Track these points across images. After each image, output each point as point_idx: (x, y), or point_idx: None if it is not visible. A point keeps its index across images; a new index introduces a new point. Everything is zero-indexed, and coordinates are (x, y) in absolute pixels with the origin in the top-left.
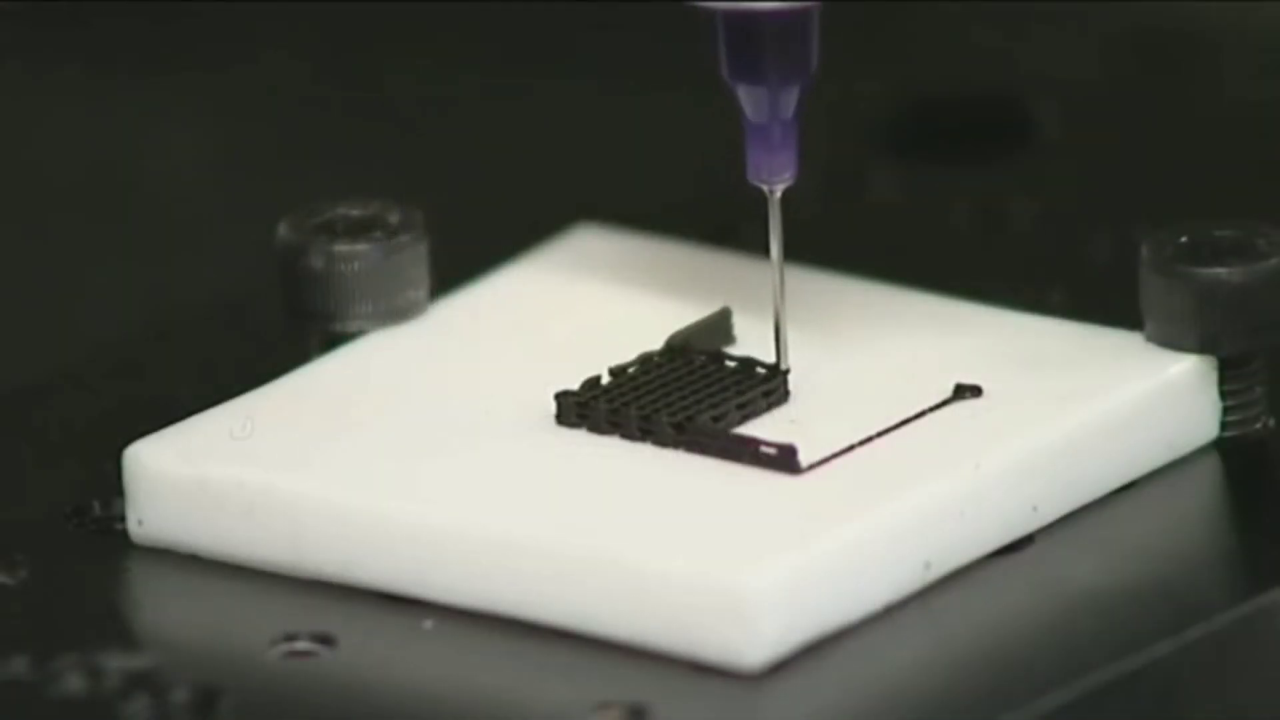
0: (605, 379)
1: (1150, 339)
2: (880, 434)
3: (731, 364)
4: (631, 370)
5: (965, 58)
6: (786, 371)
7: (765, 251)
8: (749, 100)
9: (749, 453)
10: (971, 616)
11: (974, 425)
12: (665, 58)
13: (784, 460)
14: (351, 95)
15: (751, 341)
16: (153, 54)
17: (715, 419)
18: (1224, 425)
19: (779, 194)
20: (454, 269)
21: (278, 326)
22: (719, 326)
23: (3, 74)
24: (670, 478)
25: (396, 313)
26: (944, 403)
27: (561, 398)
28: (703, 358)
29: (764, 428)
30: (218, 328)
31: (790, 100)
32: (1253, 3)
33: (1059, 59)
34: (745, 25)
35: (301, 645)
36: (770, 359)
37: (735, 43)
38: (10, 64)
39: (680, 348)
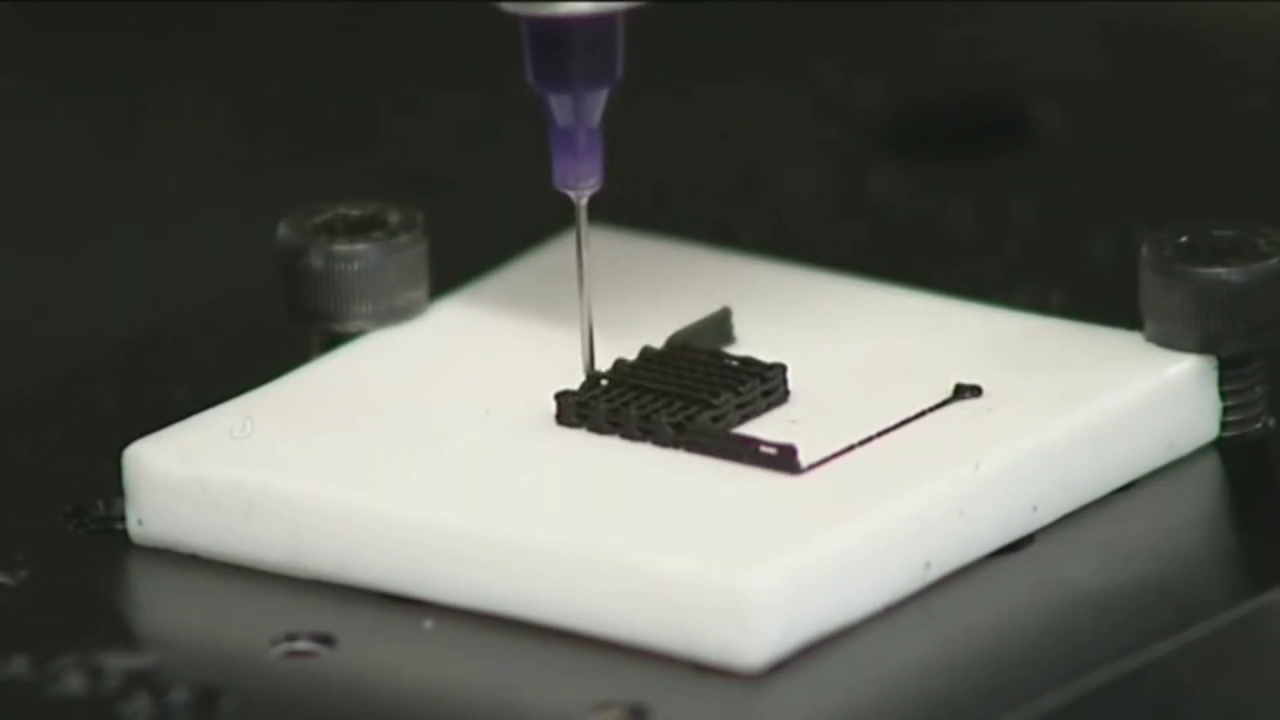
0: (605, 378)
1: (1150, 339)
2: (880, 434)
3: (732, 363)
4: (632, 367)
5: (965, 58)
6: (784, 369)
7: (765, 252)
8: (555, 106)
9: (749, 453)
10: (971, 616)
11: (974, 425)
12: (665, 58)
13: (784, 460)
14: (351, 95)
15: (751, 342)
16: (153, 54)
17: (715, 419)
18: (1224, 425)
19: (585, 201)
20: (454, 269)
21: (278, 326)
22: (719, 326)
23: (3, 74)
24: (670, 478)
25: (396, 313)
26: (944, 403)
27: (561, 397)
28: (704, 355)
29: (764, 428)
30: (218, 328)
31: (596, 107)
32: (1253, 3)
33: (1059, 59)
34: (551, 32)
35: (301, 645)
36: (769, 359)
37: (541, 49)
38: (10, 64)
39: (680, 347)
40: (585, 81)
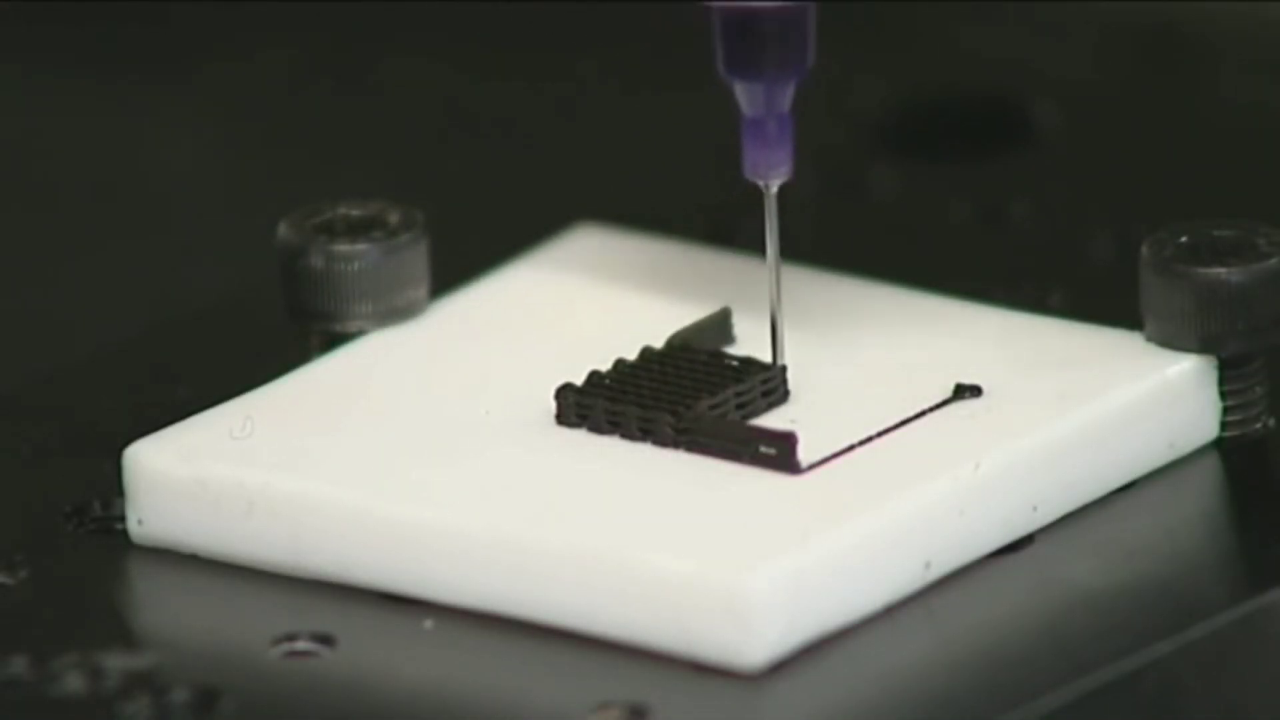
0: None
1: (1150, 339)
2: (880, 434)
3: (732, 363)
4: (632, 367)
5: (965, 58)
6: (784, 369)
7: (765, 251)
8: (745, 95)
9: (749, 451)
10: (971, 616)
11: (974, 425)
12: (665, 58)
13: (784, 460)
14: (351, 95)
15: (751, 341)
16: (153, 54)
17: (713, 409)
18: (1224, 425)
19: (775, 189)
20: (454, 269)
21: (278, 326)
22: (719, 326)
23: (3, 74)
24: (670, 478)
25: (396, 313)
26: (944, 403)
27: (561, 393)
28: (704, 355)
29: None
30: (218, 328)
31: (786, 95)
32: (1253, 3)
33: (1059, 59)
34: (742, 20)
35: (301, 645)
36: (769, 359)
37: (732, 38)
38: (10, 64)
39: (680, 348)
40: (776, 70)
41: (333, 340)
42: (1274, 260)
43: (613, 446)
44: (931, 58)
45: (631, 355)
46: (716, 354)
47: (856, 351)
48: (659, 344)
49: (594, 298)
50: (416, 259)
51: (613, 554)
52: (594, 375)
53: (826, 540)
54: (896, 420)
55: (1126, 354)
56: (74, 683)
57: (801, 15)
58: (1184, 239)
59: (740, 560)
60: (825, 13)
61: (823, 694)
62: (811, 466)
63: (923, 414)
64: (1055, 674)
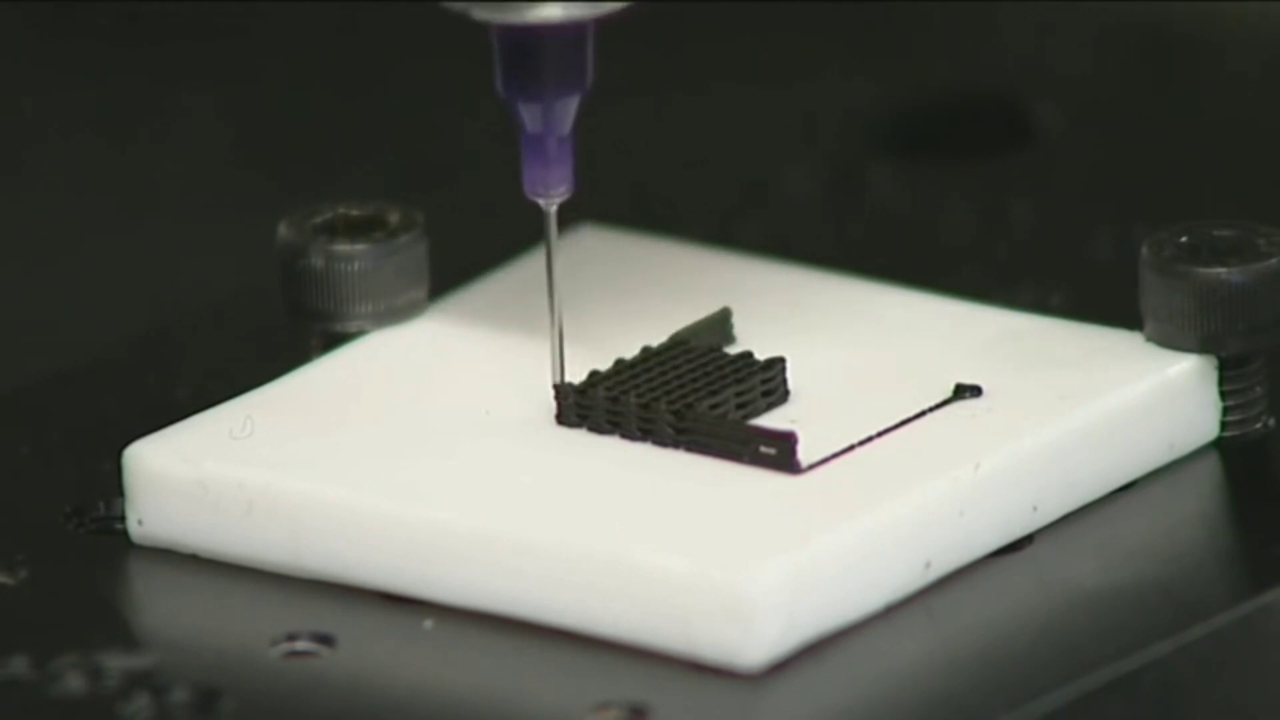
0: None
1: (1150, 339)
2: (880, 434)
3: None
4: (631, 365)
5: (965, 58)
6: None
7: (765, 252)
8: (526, 114)
9: (749, 451)
10: (971, 616)
11: (974, 425)
12: (666, 58)
13: (784, 460)
14: (352, 95)
15: (751, 342)
16: (153, 54)
17: (713, 408)
18: (1224, 425)
19: (555, 209)
20: (454, 269)
21: (278, 326)
22: (719, 326)
23: (3, 74)
24: (670, 478)
25: (396, 313)
26: (944, 403)
27: (560, 390)
28: (703, 353)
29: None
30: (218, 328)
31: (567, 115)
32: (1254, 3)
33: (1059, 59)
34: (521, 40)
35: (301, 645)
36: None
37: (510, 59)
38: (10, 64)
39: (680, 346)
40: (555, 90)
41: (333, 340)
42: (1274, 260)
43: (612, 446)
44: (931, 58)
45: (631, 355)
46: (715, 351)
47: (856, 351)
48: (659, 344)
49: (594, 298)
50: (416, 259)
51: (613, 554)
52: (594, 375)
53: (826, 540)
54: (896, 420)
55: (1126, 354)
56: (74, 683)
57: (580, 36)
58: (1184, 239)
59: (740, 560)
60: (825, 13)
61: (823, 694)
62: (811, 466)
63: (923, 414)
64: (1055, 674)
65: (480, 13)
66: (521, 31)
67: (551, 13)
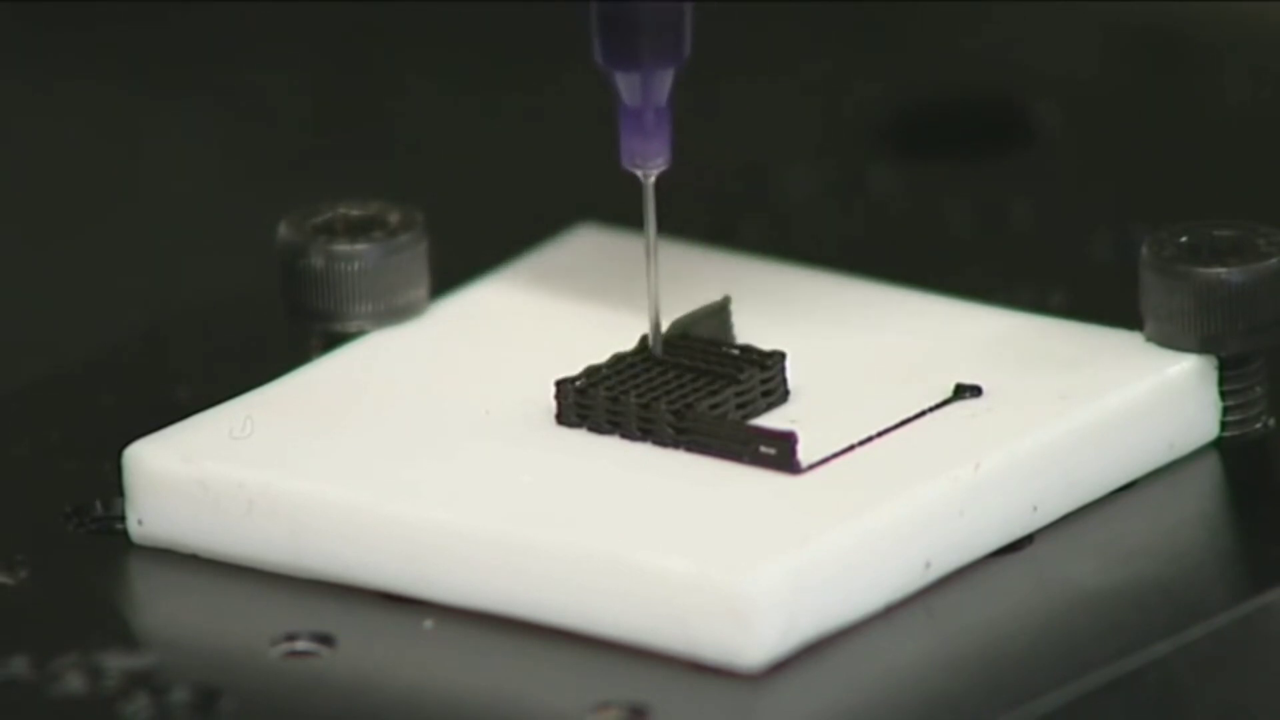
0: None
1: (1150, 339)
2: (880, 434)
3: (732, 352)
4: (630, 359)
5: (965, 58)
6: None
7: (765, 252)
8: (623, 85)
9: (749, 451)
10: (971, 616)
11: (974, 425)
12: None
13: (784, 460)
14: (352, 95)
15: (751, 341)
16: (153, 54)
17: (713, 408)
18: (1224, 425)
19: (653, 179)
20: (454, 269)
21: (278, 326)
22: (718, 315)
23: (3, 74)
24: (670, 478)
25: (396, 313)
26: (944, 403)
27: (560, 387)
28: (703, 345)
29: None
30: (218, 328)
31: (664, 86)
32: (1253, 3)
33: (1059, 59)
34: (620, 10)
35: (301, 645)
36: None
37: (609, 27)
38: (11, 64)
39: (680, 337)
40: (653, 60)
41: (333, 340)
42: (1274, 260)
43: (612, 446)
44: (931, 58)
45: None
46: (715, 343)
47: (856, 351)
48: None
49: (594, 298)
50: (416, 259)
51: (613, 554)
52: (592, 369)
53: (826, 540)
54: (896, 420)
55: (1126, 354)
56: (74, 683)
57: (679, 6)
58: (1184, 239)
59: (740, 560)
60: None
61: (823, 694)
62: (811, 466)
63: (923, 414)
64: (1055, 674)
65: None
66: (619, 2)
67: None
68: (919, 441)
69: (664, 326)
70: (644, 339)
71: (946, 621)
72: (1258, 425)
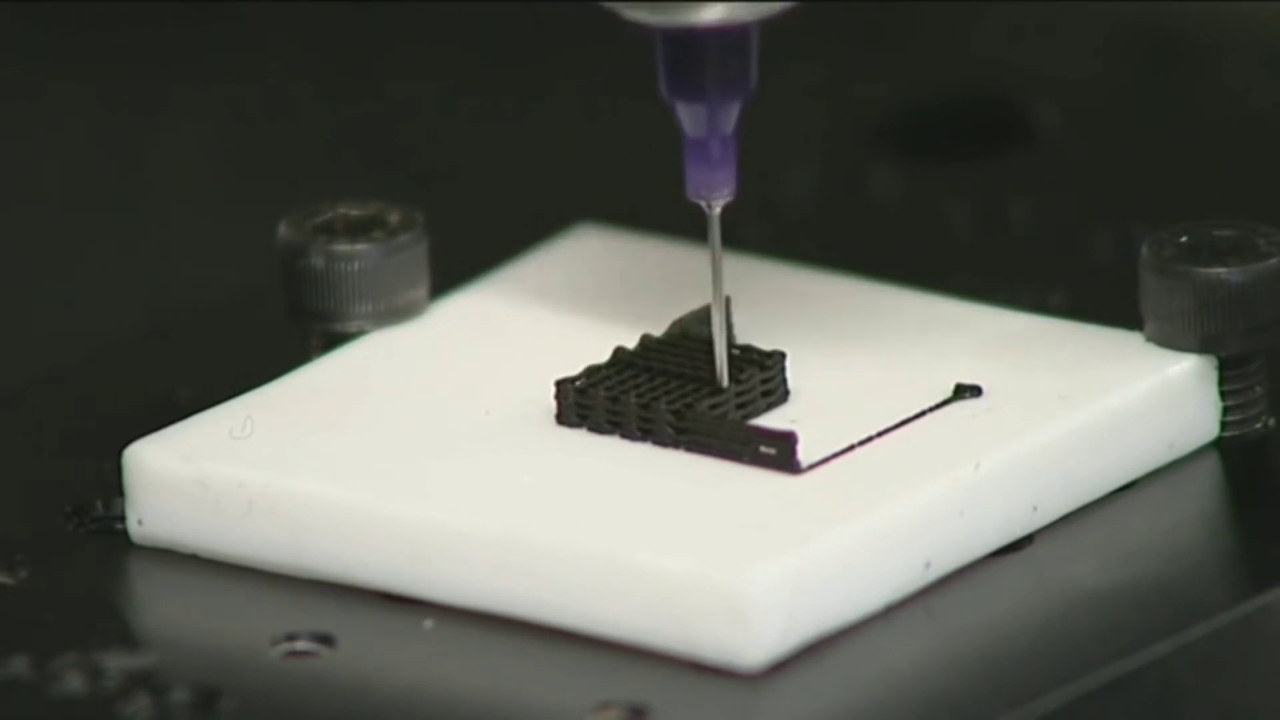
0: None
1: (1150, 339)
2: (880, 434)
3: (733, 352)
4: (630, 356)
5: (966, 58)
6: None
7: (765, 252)
8: (688, 116)
9: (749, 451)
10: (971, 616)
11: (974, 425)
12: None
13: (784, 460)
14: (351, 95)
15: (751, 341)
16: (154, 54)
17: (713, 408)
18: (1224, 425)
19: (718, 210)
20: (454, 269)
21: (278, 326)
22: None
23: (4, 74)
24: (670, 478)
25: (396, 313)
26: (944, 403)
27: (561, 386)
28: (703, 344)
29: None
30: (218, 328)
31: (729, 116)
32: (1253, 3)
33: (1059, 59)
34: (685, 41)
35: (301, 645)
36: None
37: (674, 59)
38: (11, 64)
39: (680, 335)
40: (719, 92)
41: (333, 340)
42: (1274, 260)
43: (612, 446)
44: (931, 58)
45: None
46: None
47: (856, 351)
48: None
49: (594, 298)
50: (416, 259)
51: (613, 554)
52: (592, 369)
53: (826, 540)
54: (896, 420)
55: (1126, 354)
56: (74, 683)
57: (744, 37)
58: (1184, 239)
59: (740, 560)
60: (825, 13)
61: (823, 694)
62: (811, 466)
63: (923, 414)
64: (1055, 674)
65: (639, 13)
66: (685, 33)
67: (712, 14)
68: (919, 441)
69: (655, 332)
70: (644, 338)
71: (946, 621)
72: (1258, 425)
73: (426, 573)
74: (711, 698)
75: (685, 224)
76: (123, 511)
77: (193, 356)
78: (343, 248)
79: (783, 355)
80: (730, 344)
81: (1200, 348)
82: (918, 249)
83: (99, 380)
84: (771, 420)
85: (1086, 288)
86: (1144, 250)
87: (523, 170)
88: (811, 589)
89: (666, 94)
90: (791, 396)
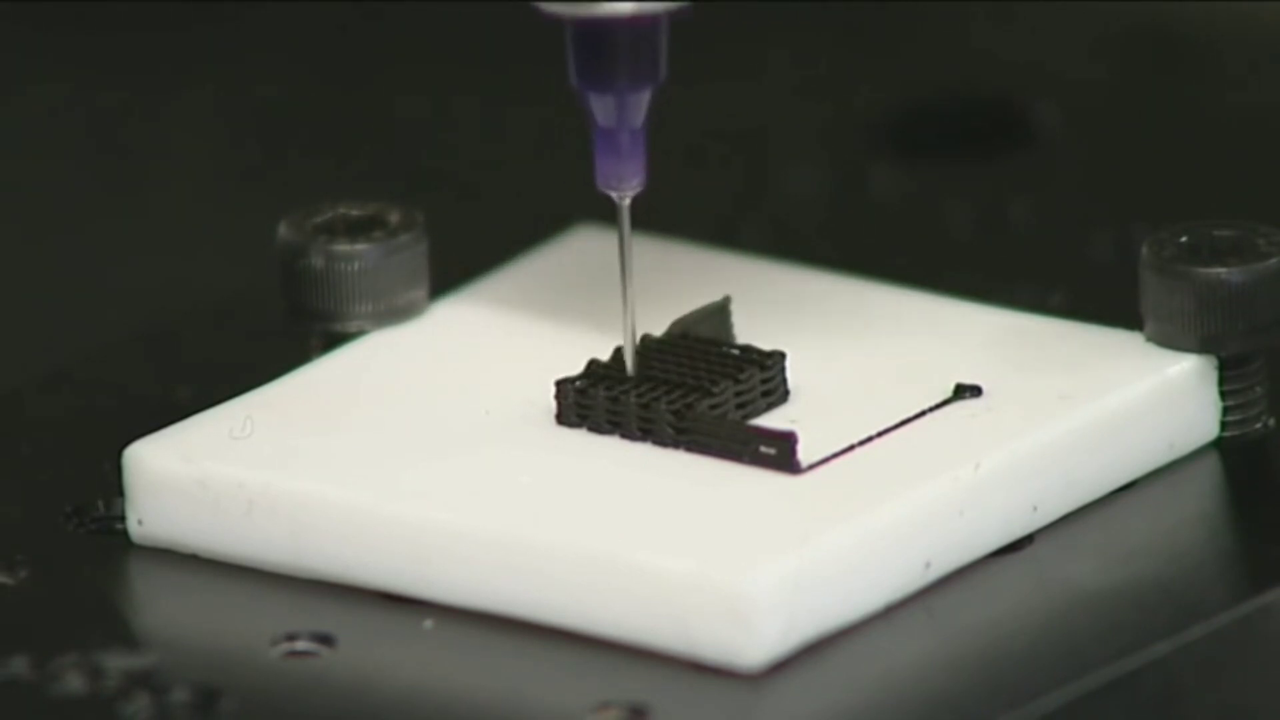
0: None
1: (1150, 339)
2: (880, 434)
3: (732, 352)
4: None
5: (966, 58)
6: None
7: (765, 252)
8: (598, 107)
9: (749, 451)
10: (971, 616)
11: (974, 425)
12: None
13: (784, 460)
14: (351, 95)
15: (751, 341)
16: (154, 54)
17: (713, 408)
18: (1224, 425)
19: (628, 202)
20: (454, 269)
21: (278, 326)
22: (718, 315)
23: (3, 74)
24: (670, 478)
25: (396, 313)
26: (944, 403)
27: (561, 386)
28: (703, 344)
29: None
30: (218, 328)
31: (639, 108)
32: (1253, 3)
33: (1059, 59)
34: (594, 33)
35: (301, 645)
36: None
37: (584, 50)
38: (11, 64)
39: (681, 336)
40: (628, 82)
41: (333, 340)
42: (1274, 260)
43: (612, 446)
44: (932, 58)
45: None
46: (715, 342)
47: (856, 351)
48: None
49: (594, 298)
50: (416, 259)
51: (613, 554)
52: (593, 365)
53: (826, 540)
54: (896, 420)
55: (1126, 354)
56: (74, 683)
57: (653, 28)
58: (1184, 239)
59: (740, 560)
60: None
61: (823, 694)
62: (811, 466)
63: (923, 414)
64: (1055, 674)
65: (550, 7)
66: (593, 24)
67: (621, 8)
68: (919, 441)
69: (655, 331)
70: (645, 336)
71: (946, 621)
72: (1258, 425)
73: (426, 573)
74: (711, 698)
75: (685, 224)
76: (123, 511)
77: (193, 356)
78: (343, 248)
79: (783, 355)
80: (730, 344)
81: (1200, 348)
82: (918, 249)
83: (99, 380)
84: (771, 420)
85: (1086, 288)
86: (1144, 250)
87: (523, 170)
88: (811, 589)
89: (577, 84)
90: (791, 396)
